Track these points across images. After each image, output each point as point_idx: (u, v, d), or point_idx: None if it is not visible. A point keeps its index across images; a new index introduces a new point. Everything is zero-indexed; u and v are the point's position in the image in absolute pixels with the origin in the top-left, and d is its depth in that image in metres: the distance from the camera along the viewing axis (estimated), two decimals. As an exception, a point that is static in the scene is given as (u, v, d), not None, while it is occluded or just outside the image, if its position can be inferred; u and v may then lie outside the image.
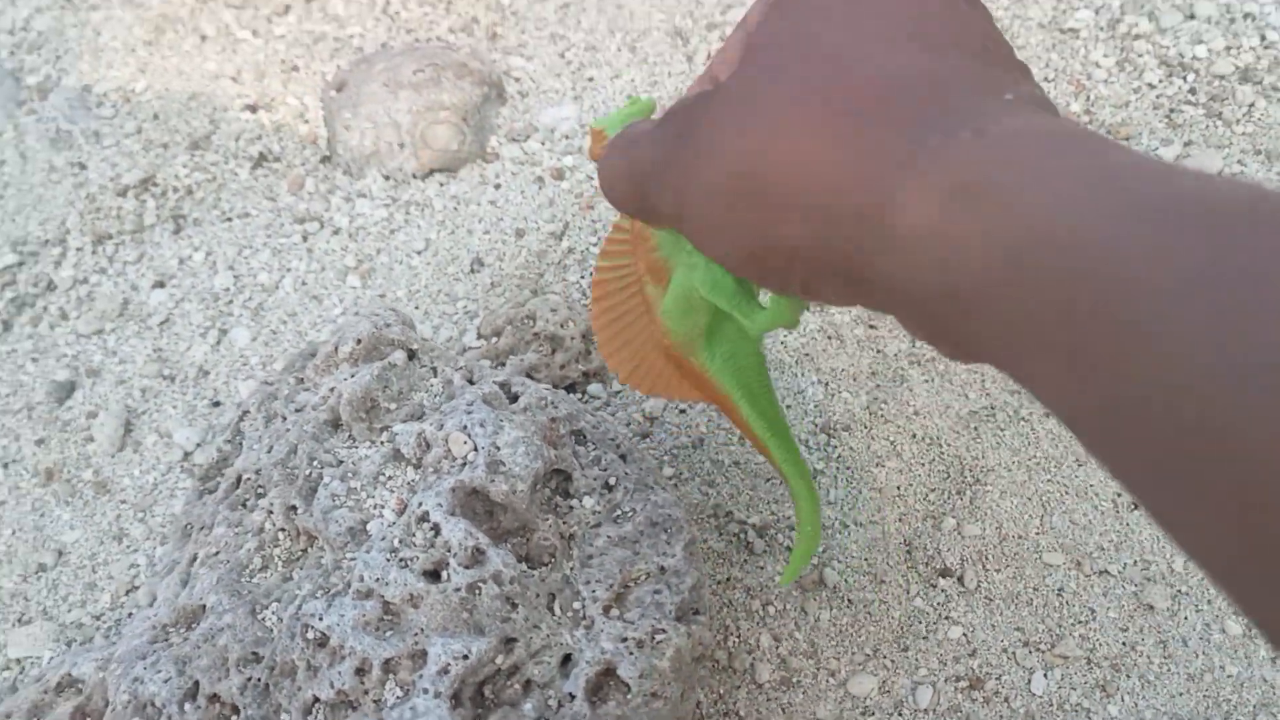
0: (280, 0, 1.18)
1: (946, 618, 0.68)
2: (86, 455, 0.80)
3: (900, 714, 0.65)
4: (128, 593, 0.72)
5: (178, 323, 0.88)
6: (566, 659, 0.54)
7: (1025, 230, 0.24)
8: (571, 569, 0.57)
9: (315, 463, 0.62)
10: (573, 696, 0.53)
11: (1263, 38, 0.91)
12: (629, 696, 0.54)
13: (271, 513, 0.61)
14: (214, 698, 0.55)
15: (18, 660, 0.70)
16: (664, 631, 0.55)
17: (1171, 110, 0.88)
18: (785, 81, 0.31)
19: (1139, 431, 0.21)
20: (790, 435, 0.51)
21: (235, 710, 0.55)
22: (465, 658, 0.51)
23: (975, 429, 0.76)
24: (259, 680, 0.55)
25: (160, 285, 0.91)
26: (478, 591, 0.53)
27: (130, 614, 0.70)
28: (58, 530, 0.76)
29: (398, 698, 0.52)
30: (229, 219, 0.96)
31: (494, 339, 0.81)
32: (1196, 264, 0.20)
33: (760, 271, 0.34)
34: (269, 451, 0.65)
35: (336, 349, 0.68)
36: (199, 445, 0.79)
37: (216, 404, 0.82)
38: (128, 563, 0.74)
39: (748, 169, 0.31)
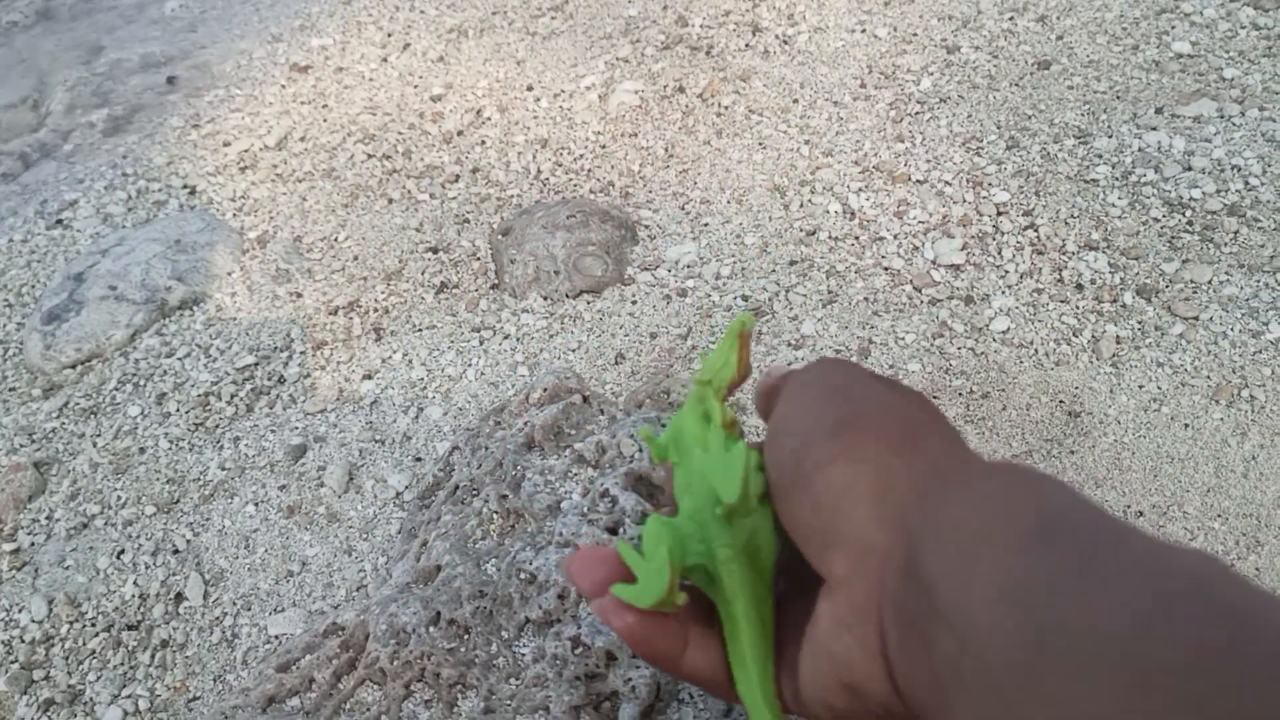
0: (451, 171, 1.48)
1: None
2: (320, 496, 1.03)
3: None
4: (358, 589, 0.94)
5: (384, 404, 1.12)
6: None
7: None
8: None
9: (518, 467, 0.84)
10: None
11: (1246, 183, 1.14)
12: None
13: (487, 501, 0.83)
14: (451, 621, 0.76)
15: (276, 636, 0.92)
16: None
17: (1173, 237, 1.11)
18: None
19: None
20: None
21: (467, 630, 0.76)
22: (638, 582, 0.72)
23: None
24: (485, 609, 0.76)
25: (368, 378, 1.16)
26: (646, 539, 0.74)
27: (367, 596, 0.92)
28: (300, 548, 0.99)
29: (589, 613, 0.72)
30: (419, 330, 1.22)
31: (636, 410, 1.03)
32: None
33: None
34: (479, 466, 0.88)
35: (528, 396, 0.91)
36: (408, 487, 1.02)
37: (418, 459, 1.05)
38: (356, 569, 0.96)
39: None
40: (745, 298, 1.15)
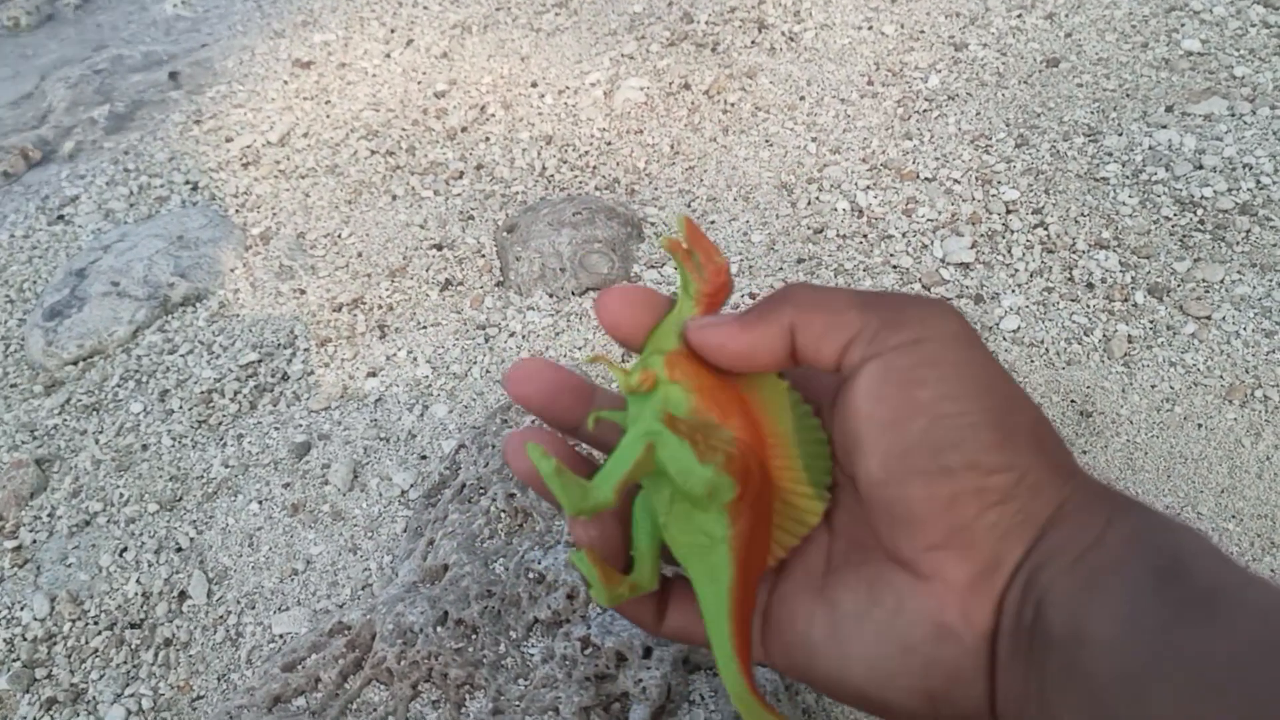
0: (456, 168, 1.47)
1: None
2: (324, 494, 1.02)
3: None
4: (363, 588, 0.93)
5: (389, 401, 1.12)
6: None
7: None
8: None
9: (526, 466, 0.83)
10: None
11: (1258, 182, 1.13)
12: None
13: (495, 500, 0.82)
14: (459, 621, 0.75)
15: (280, 635, 0.91)
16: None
17: (1184, 236, 1.10)
18: None
19: None
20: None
21: (475, 630, 0.75)
22: (649, 582, 0.71)
23: None
24: (493, 608, 0.75)
25: (373, 375, 1.15)
26: (657, 538, 0.73)
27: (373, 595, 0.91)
28: (305, 546, 0.98)
29: (598, 613, 0.72)
30: (424, 327, 1.21)
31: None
32: None
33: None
34: (486, 465, 0.87)
35: (535, 394, 0.90)
36: (413, 485, 1.01)
37: (424, 457, 1.04)
38: (361, 567, 0.95)
39: None
40: (753, 295, 1.15)
